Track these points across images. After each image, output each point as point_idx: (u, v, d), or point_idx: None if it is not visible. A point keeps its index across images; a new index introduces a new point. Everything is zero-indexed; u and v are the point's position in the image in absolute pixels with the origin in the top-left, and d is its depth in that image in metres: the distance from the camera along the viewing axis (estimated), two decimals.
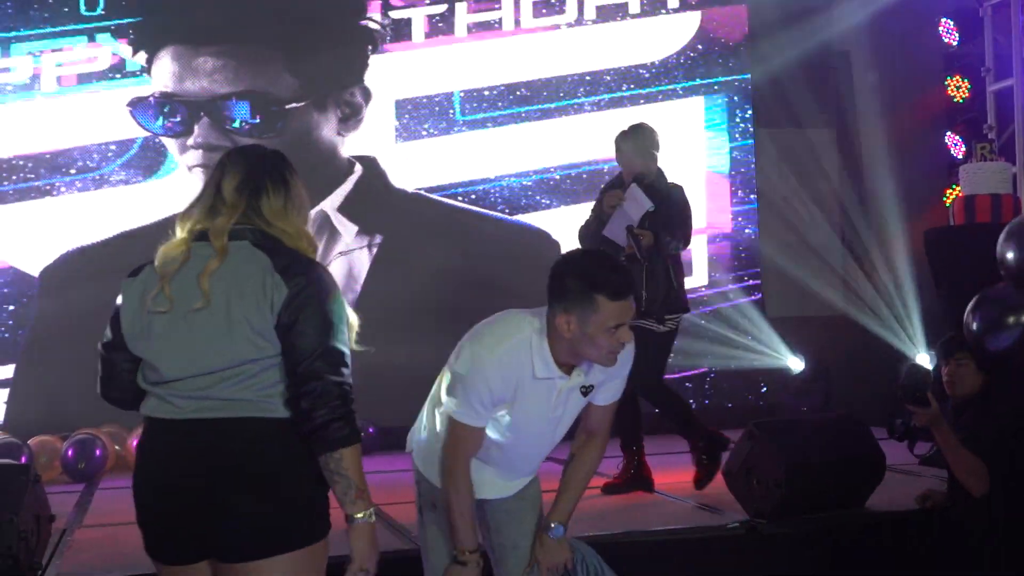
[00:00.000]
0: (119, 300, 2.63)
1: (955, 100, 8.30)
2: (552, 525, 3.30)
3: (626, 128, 6.02)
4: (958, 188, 7.25)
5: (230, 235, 2.55)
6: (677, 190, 5.91)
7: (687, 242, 5.93)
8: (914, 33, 8.80)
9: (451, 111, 8.73)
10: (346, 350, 2.55)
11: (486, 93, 8.80)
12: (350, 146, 8.56)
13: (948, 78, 8.31)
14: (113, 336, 2.62)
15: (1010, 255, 4.89)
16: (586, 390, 3.15)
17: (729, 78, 9.32)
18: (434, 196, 8.70)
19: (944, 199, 8.25)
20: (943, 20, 8.24)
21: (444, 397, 3.13)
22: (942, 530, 4.71)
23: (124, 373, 2.63)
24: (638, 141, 5.89)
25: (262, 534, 2.48)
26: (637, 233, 5.61)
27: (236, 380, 2.50)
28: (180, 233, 2.63)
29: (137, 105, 8.24)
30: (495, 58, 8.84)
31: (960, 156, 8.00)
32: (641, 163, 5.85)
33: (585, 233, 5.98)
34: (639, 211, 5.66)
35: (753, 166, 9.32)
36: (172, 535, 2.54)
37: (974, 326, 4.93)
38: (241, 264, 2.53)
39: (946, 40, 8.28)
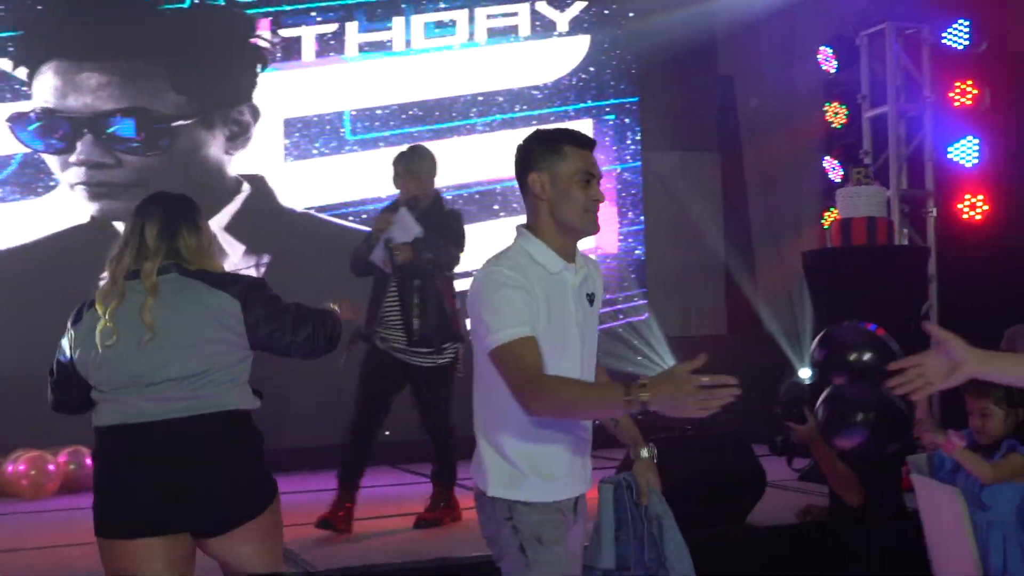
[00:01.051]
0: (65, 343, 3.16)
1: (833, 126, 8.53)
2: (646, 445, 3.17)
3: (404, 149, 5.85)
4: (835, 211, 7.46)
5: (158, 272, 3.09)
6: (453, 216, 5.73)
7: (453, 263, 5.64)
8: (795, 60, 9.04)
9: (341, 130, 8.71)
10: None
11: (378, 112, 8.80)
12: (238, 165, 8.48)
13: (827, 104, 8.53)
14: (59, 374, 3.18)
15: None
16: (590, 297, 3.06)
17: (618, 101, 9.47)
18: (324, 216, 8.66)
19: (822, 222, 8.48)
20: (822, 48, 8.47)
21: (483, 343, 2.86)
22: (821, 541, 4.84)
23: (75, 390, 3.16)
24: (413, 163, 5.69)
25: (233, 505, 3.06)
26: (393, 247, 5.40)
27: (190, 385, 3.05)
28: (111, 275, 3.12)
29: (17, 121, 8.04)
30: (386, 78, 8.84)
31: (838, 180, 8.22)
32: (415, 186, 5.62)
33: (355, 257, 5.70)
34: (406, 237, 5.41)
35: (641, 188, 9.47)
36: (144, 507, 3.01)
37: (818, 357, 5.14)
38: (177, 293, 3.10)
39: (825, 68, 8.51)
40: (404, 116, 8.86)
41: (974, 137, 7.83)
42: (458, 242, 5.62)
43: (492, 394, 2.91)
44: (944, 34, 7.99)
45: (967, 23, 7.96)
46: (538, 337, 2.82)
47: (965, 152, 7.85)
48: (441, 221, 5.59)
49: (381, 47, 8.85)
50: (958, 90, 7.90)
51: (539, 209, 2.99)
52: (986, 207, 7.85)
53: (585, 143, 3.02)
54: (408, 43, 8.92)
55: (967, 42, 7.95)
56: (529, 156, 3.00)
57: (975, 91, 7.86)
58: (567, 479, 2.95)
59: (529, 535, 2.84)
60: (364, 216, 8.59)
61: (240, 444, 3.13)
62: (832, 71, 8.50)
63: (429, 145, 8.96)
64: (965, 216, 7.91)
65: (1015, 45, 9.30)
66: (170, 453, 3.03)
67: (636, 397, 2.59)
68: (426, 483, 7.04)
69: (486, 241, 8.92)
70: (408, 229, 5.41)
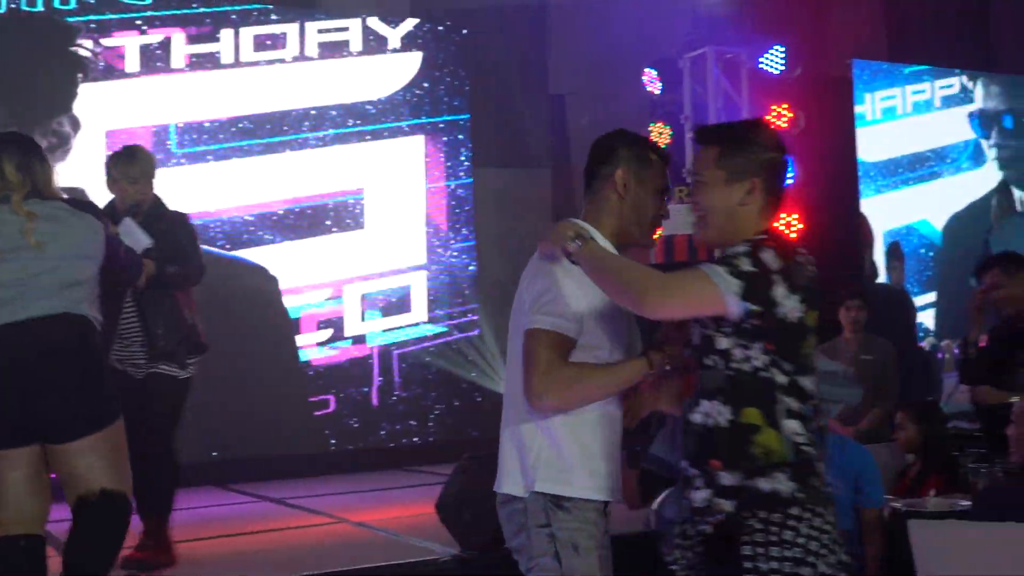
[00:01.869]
0: None
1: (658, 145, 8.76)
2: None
3: (119, 150, 5.30)
4: (660, 229, 7.68)
5: (24, 198, 3.70)
6: (181, 219, 5.29)
7: (200, 273, 5.24)
8: (622, 80, 9.27)
9: (167, 143, 8.52)
10: None
11: (206, 125, 8.64)
12: (58, 176, 8.18)
13: (652, 124, 8.76)
14: None
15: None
16: None
17: (452, 118, 9.53)
18: None
19: None
20: (647, 70, 8.71)
21: (524, 318, 2.79)
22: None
23: None
24: (129, 167, 5.14)
25: (82, 414, 3.54)
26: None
27: (62, 293, 3.63)
28: None
29: None
30: (215, 91, 8.69)
31: None
32: (134, 191, 5.11)
33: None
34: (136, 248, 4.80)
35: (472, 204, 9.55)
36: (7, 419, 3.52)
37: None
38: (48, 218, 3.71)
39: (650, 89, 8.75)
40: (234, 129, 8.72)
41: (789, 159, 8.16)
42: (196, 250, 5.23)
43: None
44: (761, 59, 8.33)
45: (783, 49, 8.31)
46: (589, 332, 2.77)
47: None
48: (171, 228, 5.14)
49: (209, 60, 8.70)
50: (775, 113, 8.23)
51: (609, 206, 2.95)
52: (800, 226, 8.19)
53: (665, 159, 3.05)
54: (237, 56, 8.79)
55: (783, 67, 8.30)
56: (614, 155, 2.96)
57: (790, 114, 8.20)
58: (608, 479, 2.84)
59: (566, 541, 2.75)
60: None
61: (91, 356, 3.66)
62: (657, 92, 8.73)
63: (261, 159, 9.00)
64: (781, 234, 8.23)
65: (828, 70, 9.77)
66: (28, 360, 3.53)
67: (654, 361, 2.71)
68: (253, 502, 6.95)
69: (318, 257, 8.95)
70: (137, 240, 4.89)
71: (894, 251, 9.98)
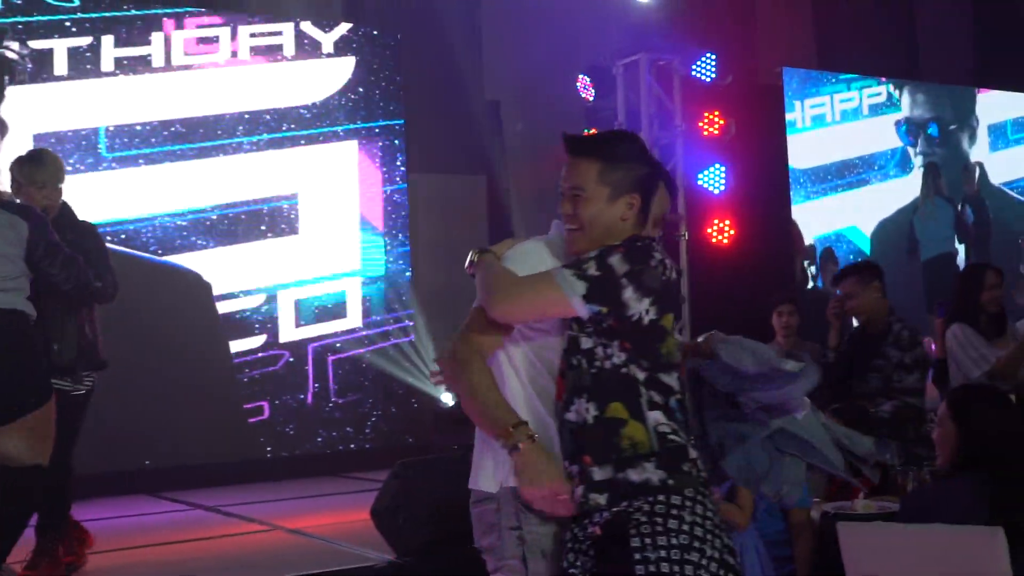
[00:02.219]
0: None
1: None
2: None
3: (24, 155, 5.11)
4: None
5: None
6: (90, 229, 5.12)
7: (115, 290, 5.04)
8: (557, 87, 9.32)
9: (97, 146, 8.41)
10: None
11: (137, 128, 8.54)
12: None
13: (586, 131, 8.82)
14: None
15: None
16: None
17: (387, 123, 9.51)
18: None
19: None
20: (581, 76, 8.76)
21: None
22: None
23: None
24: (36, 172, 4.94)
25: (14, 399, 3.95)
26: None
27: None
28: None
29: None
30: (146, 94, 8.59)
31: None
32: (41, 196, 4.89)
33: None
34: None
35: (407, 210, 9.53)
36: None
37: None
38: None
39: (584, 95, 8.81)
40: (166, 133, 8.63)
41: (721, 165, 8.27)
42: (107, 263, 5.03)
43: (508, 379, 2.76)
44: (694, 66, 8.42)
45: (715, 57, 8.41)
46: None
47: (713, 179, 8.29)
48: (80, 239, 4.93)
49: (140, 62, 8.60)
50: (706, 120, 8.33)
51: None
52: (732, 231, 8.30)
53: (669, 186, 2.95)
54: (168, 59, 8.70)
55: (714, 75, 8.39)
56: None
57: (722, 121, 8.30)
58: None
59: (535, 546, 2.69)
60: (123, 236, 8.31)
61: (25, 344, 4.04)
62: (590, 99, 8.79)
63: (194, 164, 8.91)
64: (714, 240, 8.33)
65: (758, 79, 9.90)
66: None
67: (515, 440, 2.60)
68: (186, 511, 6.89)
69: (252, 262, 8.88)
70: None
71: (829, 256, 10.16)
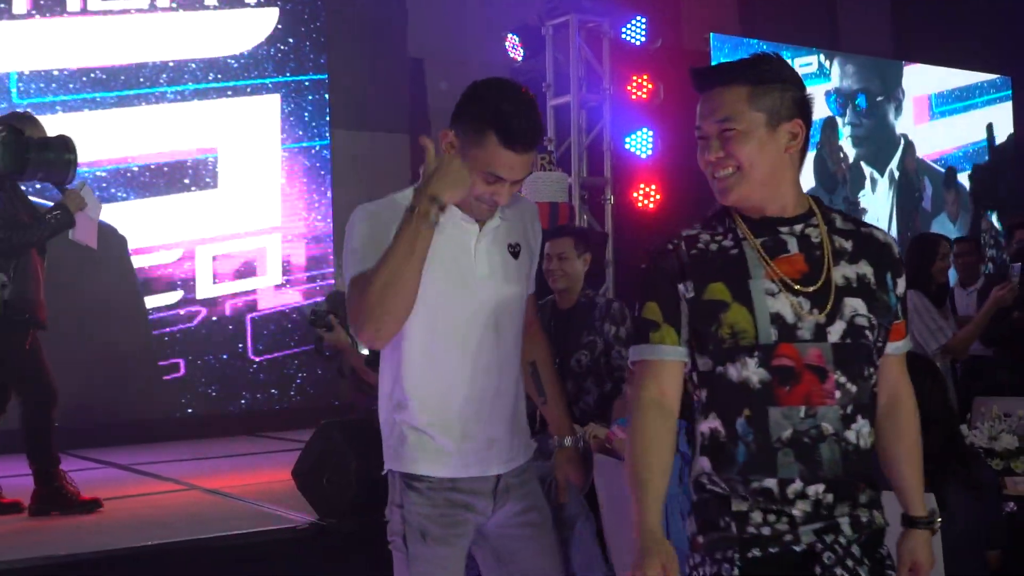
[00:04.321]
0: None
1: None
2: (571, 433, 2.85)
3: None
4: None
5: None
6: None
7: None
8: (484, 46, 9.20)
9: (9, 91, 8.10)
10: None
11: (54, 74, 8.25)
12: None
13: None
14: None
15: None
16: (514, 249, 2.68)
17: (316, 77, 9.33)
18: None
19: None
20: (509, 36, 8.66)
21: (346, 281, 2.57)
22: None
23: None
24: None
25: None
26: None
27: None
28: None
29: None
30: (63, 39, 8.29)
31: None
32: None
33: None
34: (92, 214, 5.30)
35: (329, 167, 9.38)
36: None
37: None
38: None
39: (512, 55, 8.71)
40: (85, 79, 8.35)
41: (648, 129, 8.25)
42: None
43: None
44: (623, 29, 8.36)
45: (644, 20, 8.36)
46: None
47: (640, 143, 8.26)
48: None
49: (56, 5, 8.28)
50: (635, 83, 8.29)
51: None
52: (658, 196, 8.29)
53: (515, 143, 2.51)
54: (84, 5, 8.40)
55: (644, 38, 8.35)
56: (460, 109, 2.56)
57: (650, 85, 8.27)
58: (466, 453, 2.60)
59: (415, 526, 2.57)
60: (36, 186, 8.02)
61: None
62: (519, 59, 8.70)
63: (114, 112, 8.62)
64: (640, 204, 8.32)
65: (688, 43, 9.89)
66: None
67: (424, 206, 2.39)
68: (98, 468, 6.73)
69: (175, 215, 8.64)
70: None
71: None
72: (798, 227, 2.22)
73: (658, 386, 2.21)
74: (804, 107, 2.24)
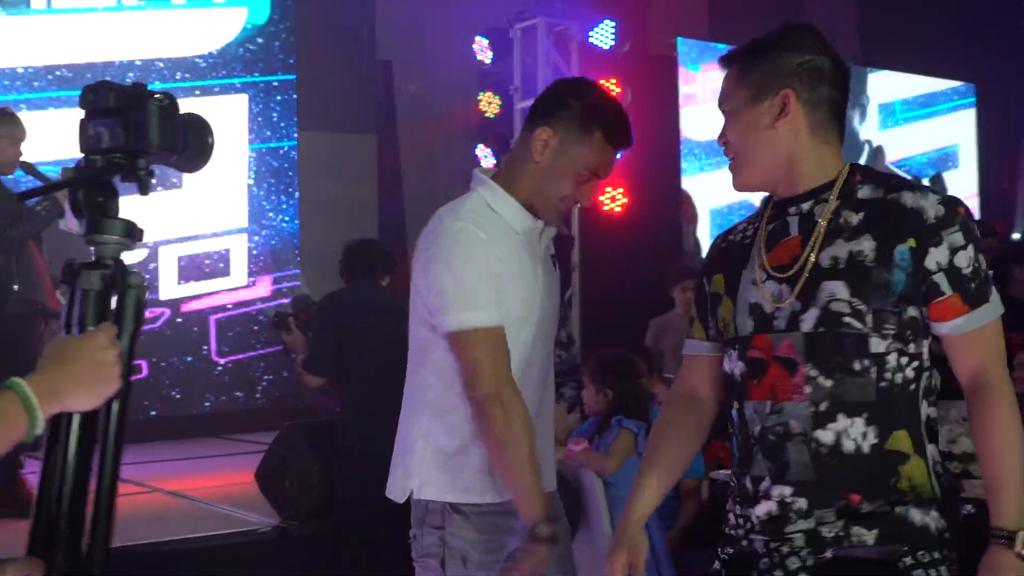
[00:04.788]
0: None
1: (487, 115, 8.73)
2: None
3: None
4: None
5: None
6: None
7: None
8: (452, 48, 9.20)
9: None
10: None
11: (19, 71, 8.16)
12: None
13: (481, 93, 8.73)
14: None
15: None
16: (554, 259, 2.69)
17: (284, 78, 9.28)
18: None
19: None
20: (478, 38, 8.66)
21: (438, 321, 2.44)
22: None
23: None
24: (18, 126, 5.37)
25: None
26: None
27: None
28: None
29: None
30: (29, 36, 8.20)
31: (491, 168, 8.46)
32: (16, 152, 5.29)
33: None
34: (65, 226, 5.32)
35: (296, 167, 9.33)
36: None
37: None
38: None
39: (480, 57, 8.71)
40: (50, 77, 8.26)
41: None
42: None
43: (446, 372, 2.49)
44: (592, 33, 8.38)
45: (613, 24, 8.38)
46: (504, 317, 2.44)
47: None
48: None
49: (20, 3, 8.20)
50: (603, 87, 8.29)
51: (524, 159, 2.55)
52: (625, 199, 8.31)
53: (617, 142, 2.54)
54: (49, 2, 8.32)
55: (612, 42, 8.37)
56: (559, 107, 2.53)
57: (618, 89, 8.27)
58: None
59: (457, 550, 2.46)
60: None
61: None
62: (487, 61, 8.70)
63: (80, 111, 8.39)
64: (606, 207, 8.33)
65: (656, 48, 9.91)
66: None
67: (544, 532, 2.36)
68: None
69: (139, 215, 8.50)
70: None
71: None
72: (806, 205, 2.04)
73: (687, 380, 2.25)
74: (804, 73, 2.04)
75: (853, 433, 1.92)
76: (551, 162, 2.52)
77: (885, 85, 11.75)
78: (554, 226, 2.64)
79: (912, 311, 1.95)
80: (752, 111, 2.04)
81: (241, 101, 9.08)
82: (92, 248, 1.71)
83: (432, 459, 2.51)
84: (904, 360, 1.95)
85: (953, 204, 1.97)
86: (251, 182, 9.10)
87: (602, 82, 8.26)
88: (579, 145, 2.50)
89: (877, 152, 11.63)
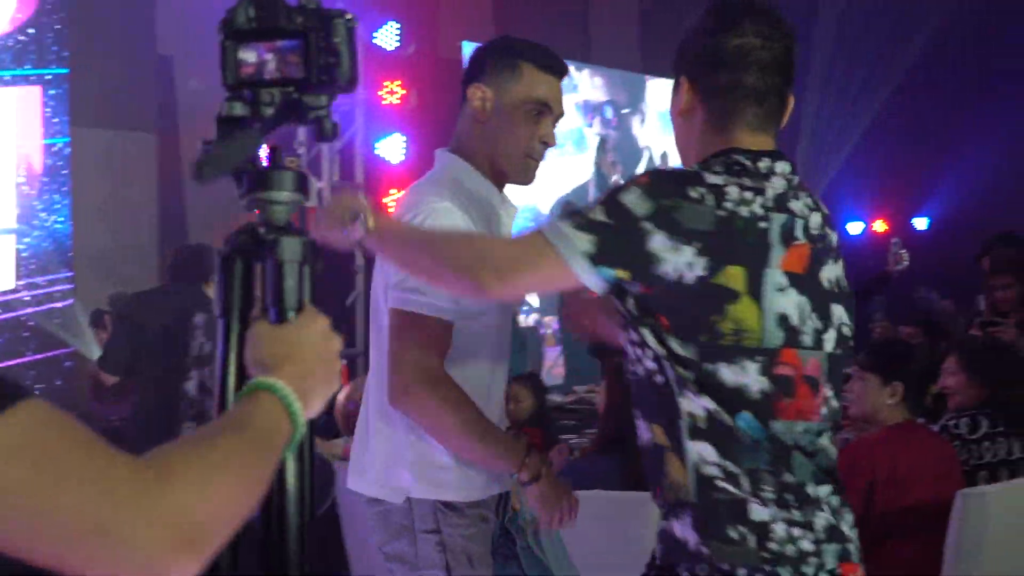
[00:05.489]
0: None
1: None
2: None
3: None
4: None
5: None
6: None
7: None
8: None
9: None
10: None
11: None
12: None
13: None
14: None
15: None
16: None
17: (58, 71, 8.90)
18: None
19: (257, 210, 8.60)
20: None
21: (391, 292, 2.32)
22: None
23: None
24: None
25: None
26: None
27: None
28: None
29: None
30: None
31: None
32: None
33: None
34: None
35: (69, 165, 8.98)
36: None
37: None
38: None
39: None
40: None
41: (401, 135, 8.29)
42: None
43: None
44: (376, 34, 8.38)
45: (398, 26, 8.41)
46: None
47: (392, 149, 8.30)
48: None
49: None
50: (387, 89, 8.32)
51: (473, 133, 2.46)
52: None
53: (553, 68, 2.45)
54: None
55: (397, 44, 8.40)
56: (479, 67, 2.47)
57: (403, 91, 8.32)
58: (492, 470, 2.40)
59: (459, 552, 2.30)
60: None
61: None
62: None
63: None
64: (391, 210, 8.34)
65: (442, 51, 9.99)
66: None
67: (534, 469, 2.27)
68: None
69: None
70: None
71: None
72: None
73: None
74: (706, 58, 1.91)
75: (832, 452, 1.91)
76: (495, 113, 2.43)
77: (664, 92, 12.18)
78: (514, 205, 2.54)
79: None
80: (673, 99, 2.04)
81: (10, 95, 8.67)
82: (257, 210, 1.41)
83: (417, 456, 2.36)
84: None
85: None
86: (21, 180, 8.70)
87: (386, 84, 8.31)
88: (514, 84, 2.43)
89: (663, 158, 12.04)
